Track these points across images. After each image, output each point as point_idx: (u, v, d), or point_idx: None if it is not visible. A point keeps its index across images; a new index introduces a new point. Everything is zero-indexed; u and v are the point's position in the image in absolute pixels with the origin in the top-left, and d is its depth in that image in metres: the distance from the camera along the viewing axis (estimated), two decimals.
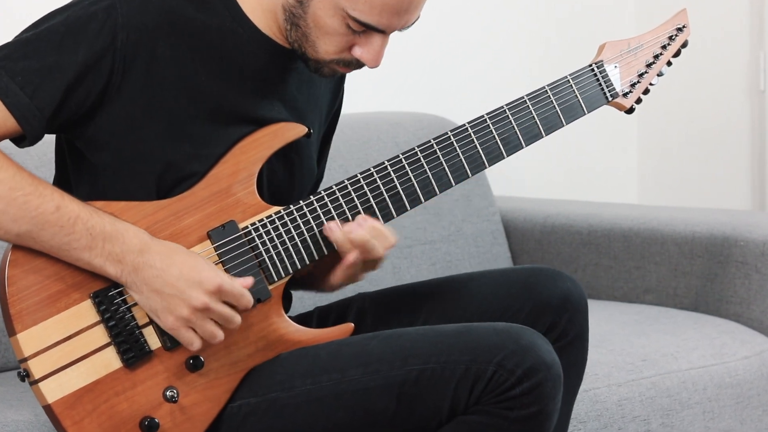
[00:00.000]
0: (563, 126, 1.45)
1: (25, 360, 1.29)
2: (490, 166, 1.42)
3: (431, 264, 2.04)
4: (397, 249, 2.01)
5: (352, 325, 1.40)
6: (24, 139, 1.33)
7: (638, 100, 1.48)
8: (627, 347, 1.78)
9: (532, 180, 2.49)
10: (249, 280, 1.31)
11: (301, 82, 1.42)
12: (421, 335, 1.33)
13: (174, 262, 1.28)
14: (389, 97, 2.33)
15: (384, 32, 1.33)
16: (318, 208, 1.37)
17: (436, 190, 1.40)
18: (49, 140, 1.44)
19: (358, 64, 1.36)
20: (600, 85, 1.46)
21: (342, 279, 1.38)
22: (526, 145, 1.43)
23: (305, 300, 1.83)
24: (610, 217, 2.08)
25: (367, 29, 1.32)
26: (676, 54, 1.51)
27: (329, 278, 1.40)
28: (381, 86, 2.31)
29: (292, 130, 1.38)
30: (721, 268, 1.95)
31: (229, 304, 1.30)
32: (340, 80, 1.51)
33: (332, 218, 1.37)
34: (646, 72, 1.48)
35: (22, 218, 1.26)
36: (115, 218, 1.30)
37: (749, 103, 2.57)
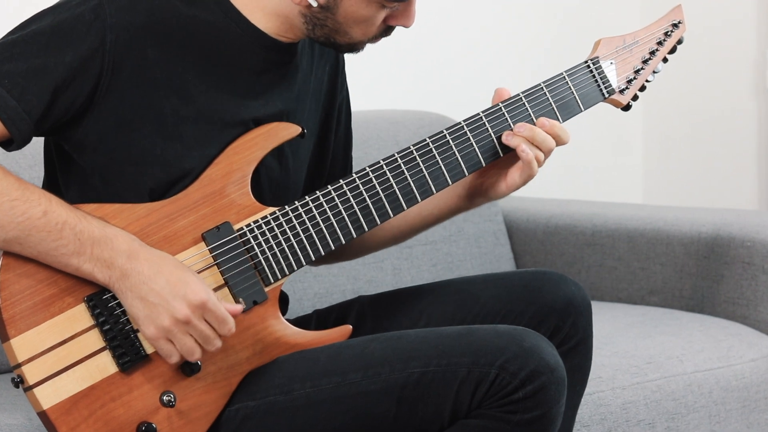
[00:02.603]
0: (560, 123, 1.43)
1: (18, 365, 1.27)
2: (486, 164, 1.41)
3: (432, 265, 2.03)
4: (397, 249, 2.00)
5: (350, 327, 1.39)
6: (11, 143, 1.31)
7: (635, 97, 1.48)
8: (631, 349, 1.77)
9: (535, 179, 2.47)
10: (238, 308, 1.29)
11: (294, 74, 1.41)
12: (422, 337, 1.33)
13: (162, 270, 1.26)
14: (390, 96, 2.32)
15: None
16: (314, 208, 1.36)
17: (433, 189, 1.39)
18: (43, 140, 1.42)
19: (390, 30, 1.37)
20: (596, 81, 1.45)
21: (519, 177, 1.40)
22: None
23: (304, 302, 1.82)
24: (614, 218, 2.07)
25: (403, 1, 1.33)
26: (672, 50, 1.50)
27: (498, 186, 1.41)
28: (381, 84, 2.30)
29: (286, 130, 1.37)
30: (727, 269, 1.94)
31: (212, 325, 1.28)
32: (336, 66, 1.49)
33: (327, 218, 1.36)
34: (642, 68, 1.47)
35: (9, 224, 1.25)
36: (104, 223, 1.28)
37: (756, 101, 2.56)
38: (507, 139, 1.39)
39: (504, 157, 1.41)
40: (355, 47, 1.36)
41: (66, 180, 1.36)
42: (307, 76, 1.43)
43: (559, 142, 1.40)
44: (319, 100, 1.46)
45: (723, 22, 2.53)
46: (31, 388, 1.27)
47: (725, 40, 2.55)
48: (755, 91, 2.56)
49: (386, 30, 1.36)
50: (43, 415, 1.27)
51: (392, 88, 2.34)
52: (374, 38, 1.36)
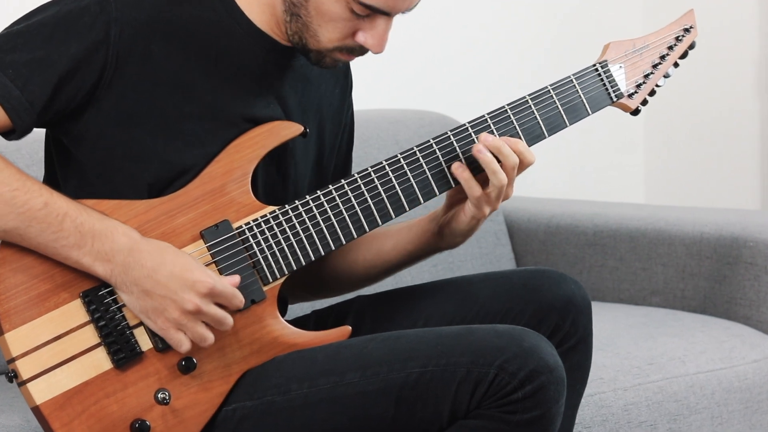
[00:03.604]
0: (566, 127, 1.42)
1: (13, 360, 1.27)
2: None
3: (432, 265, 2.02)
4: None
5: (350, 328, 1.38)
6: (13, 132, 1.31)
7: (644, 102, 1.47)
8: (633, 350, 1.76)
9: (536, 179, 2.47)
10: (236, 278, 1.29)
11: (297, 81, 1.41)
12: (420, 337, 1.32)
13: (165, 262, 1.26)
14: (390, 95, 2.32)
15: (388, 14, 1.31)
16: (314, 208, 1.35)
17: (436, 191, 1.38)
18: (40, 139, 1.42)
19: (361, 51, 1.34)
20: (604, 85, 1.44)
21: (474, 206, 1.35)
22: (529, 146, 1.40)
23: (303, 304, 1.81)
24: (616, 218, 2.06)
25: (372, 12, 1.30)
26: (683, 55, 1.49)
27: (455, 224, 1.38)
28: (382, 83, 2.30)
29: (288, 129, 1.36)
30: (729, 270, 1.93)
31: (221, 305, 1.27)
32: (346, 84, 1.48)
33: (328, 218, 1.35)
34: (651, 73, 1.46)
35: (9, 214, 1.24)
36: (104, 216, 1.28)
37: (758, 101, 2.55)
38: (478, 152, 1.34)
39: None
40: (323, 56, 1.34)
41: (64, 175, 1.36)
42: (316, 91, 1.42)
43: (524, 161, 1.36)
44: (325, 117, 1.45)
45: (725, 22, 2.53)
46: (25, 383, 1.26)
47: (728, 40, 2.54)
48: (758, 91, 2.55)
49: (358, 48, 1.33)
50: (36, 410, 1.27)
51: (392, 87, 2.34)
52: (342, 51, 1.33)
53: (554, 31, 2.55)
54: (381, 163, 1.37)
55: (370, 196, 1.36)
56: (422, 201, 1.37)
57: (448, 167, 1.37)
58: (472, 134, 1.38)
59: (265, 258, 1.33)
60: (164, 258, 1.26)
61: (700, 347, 1.80)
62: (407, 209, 1.37)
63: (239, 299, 1.28)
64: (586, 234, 2.07)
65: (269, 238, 1.33)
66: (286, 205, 1.35)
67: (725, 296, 1.94)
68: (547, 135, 1.41)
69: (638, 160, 2.68)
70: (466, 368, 1.27)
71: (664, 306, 2.00)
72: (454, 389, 1.27)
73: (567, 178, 2.57)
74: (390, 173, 1.37)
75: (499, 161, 1.35)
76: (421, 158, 1.37)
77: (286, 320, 1.37)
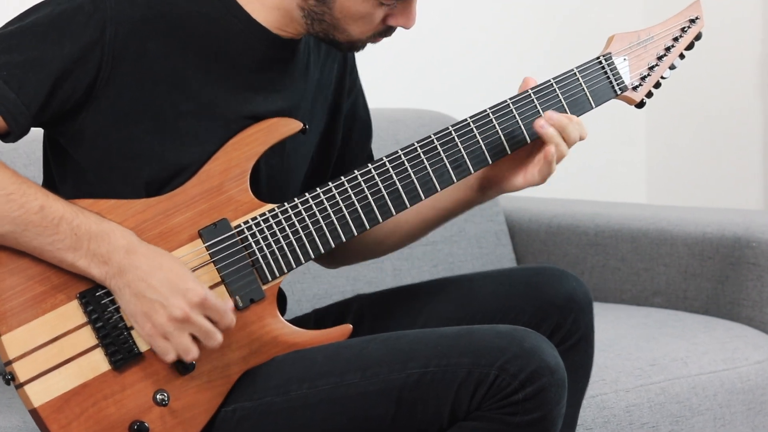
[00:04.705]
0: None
1: (10, 362, 1.26)
2: (493, 162, 1.39)
3: (433, 266, 2.02)
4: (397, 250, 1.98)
5: (350, 326, 1.37)
6: (9, 134, 1.30)
7: (649, 94, 1.46)
8: (635, 352, 1.75)
9: None
10: (230, 304, 1.28)
11: (297, 73, 1.40)
12: (421, 338, 1.31)
13: (161, 266, 1.25)
14: (389, 94, 2.31)
15: None
16: (314, 206, 1.34)
17: (437, 187, 1.37)
18: (38, 138, 1.41)
19: (389, 31, 1.35)
20: (608, 78, 1.43)
21: (539, 173, 1.38)
22: (531, 141, 1.40)
23: (303, 303, 1.81)
24: (618, 218, 2.06)
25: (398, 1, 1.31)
26: (689, 47, 1.49)
27: (514, 180, 1.39)
28: (381, 82, 2.29)
29: (287, 126, 1.35)
30: (732, 270, 1.92)
31: (212, 320, 1.26)
32: (345, 66, 1.47)
33: (327, 216, 1.34)
34: (657, 65, 1.46)
35: (4, 218, 1.24)
36: (101, 217, 1.27)
37: (761, 100, 2.54)
38: (540, 128, 1.35)
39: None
40: (355, 45, 1.35)
41: (62, 174, 1.35)
42: (313, 75, 1.42)
43: (583, 136, 1.38)
44: (326, 99, 1.45)
45: (728, 19, 2.52)
46: (22, 385, 1.26)
47: (730, 38, 2.53)
48: (760, 89, 2.54)
49: (387, 30, 1.34)
50: (34, 413, 1.26)
51: (392, 87, 2.33)
52: (374, 37, 1.34)
53: (554, 33, 2.54)
54: (382, 159, 1.36)
55: (370, 193, 1.35)
56: (423, 197, 1.36)
57: (451, 163, 1.36)
58: (474, 129, 1.37)
59: (264, 257, 1.32)
60: (161, 263, 1.25)
61: (703, 348, 1.79)
62: (408, 206, 1.36)
63: (230, 319, 1.26)
64: (588, 234, 2.07)
65: (268, 236, 1.32)
66: (286, 203, 1.34)
67: (728, 297, 1.93)
68: None
69: (640, 159, 2.67)
70: (467, 369, 1.26)
71: (666, 307, 2.00)
72: (455, 390, 1.26)
73: (568, 178, 2.56)
74: (390, 170, 1.35)
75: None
76: (422, 154, 1.36)
77: (285, 320, 1.36)
